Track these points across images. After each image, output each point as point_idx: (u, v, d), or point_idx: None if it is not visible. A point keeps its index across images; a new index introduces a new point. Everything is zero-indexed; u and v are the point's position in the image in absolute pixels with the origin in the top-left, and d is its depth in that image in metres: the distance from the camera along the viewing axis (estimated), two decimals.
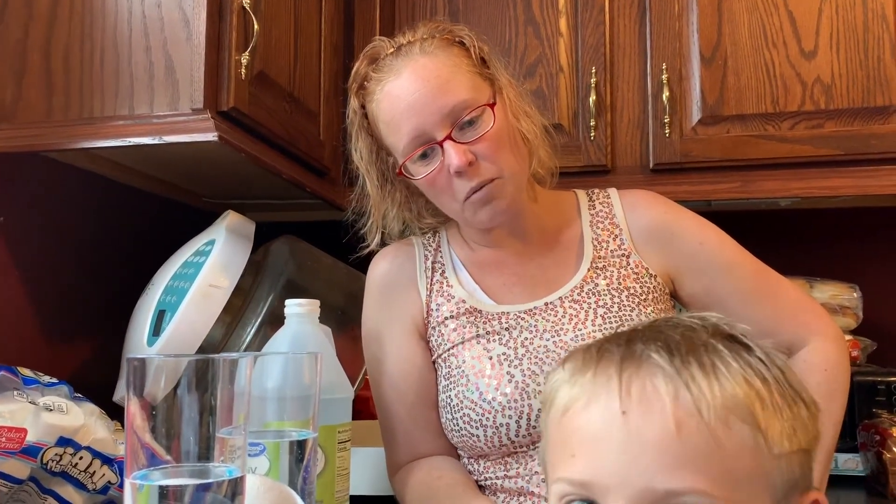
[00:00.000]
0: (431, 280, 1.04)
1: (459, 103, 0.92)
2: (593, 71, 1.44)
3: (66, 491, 0.90)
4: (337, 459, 0.93)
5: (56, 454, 0.89)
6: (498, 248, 1.04)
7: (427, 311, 1.02)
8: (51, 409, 0.90)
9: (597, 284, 0.99)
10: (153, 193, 1.43)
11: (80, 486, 0.91)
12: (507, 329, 0.98)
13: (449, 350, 0.99)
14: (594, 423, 0.48)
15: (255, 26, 1.09)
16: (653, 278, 1.00)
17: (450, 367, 0.99)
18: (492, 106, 0.94)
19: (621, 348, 0.49)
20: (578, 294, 0.99)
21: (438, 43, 0.96)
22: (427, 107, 0.92)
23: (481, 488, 0.96)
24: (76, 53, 1.08)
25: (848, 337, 1.46)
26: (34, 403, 0.89)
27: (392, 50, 0.97)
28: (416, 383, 1.01)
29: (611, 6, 1.46)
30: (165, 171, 1.36)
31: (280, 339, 0.92)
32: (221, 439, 0.60)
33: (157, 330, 1.04)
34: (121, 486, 0.91)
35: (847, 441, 1.30)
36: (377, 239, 1.05)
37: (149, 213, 1.44)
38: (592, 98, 1.42)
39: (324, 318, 1.03)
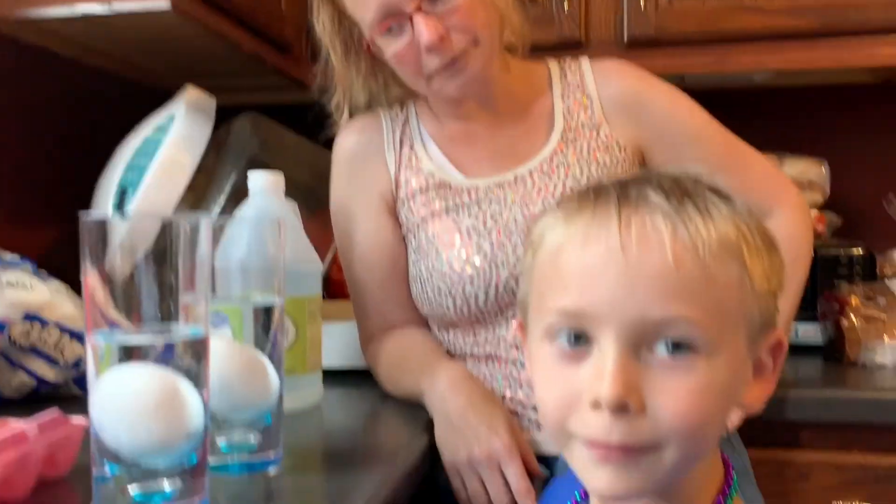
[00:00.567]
0: (400, 154, 1.02)
1: None
2: None
3: (38, 365, 0.90)
4: (308, 330, 0.94)
5: (24, 330, 0.89)
6: (467, 120, 1.02)
7: (396, 185, 1.01)
8: (14, 286, 0.89)
9: (566, 157, 0.98)
10: (112, 73, 1.37)
11: (51, 360, 0.91)
12: (476, 202, 0.97)
13: (418, 224, 0.99)
14: (591, 259, 0.49)
15: None
16: (622, 150, 0.99)
17: (419, 240, 0.99)
18: None
19: (617, 191, 0.51)
20: (548, 166, 0.98)
21: None
22: None
23: (451, 356, 0.98)
24: None
25: (814, 212, 1.48)
26: None
27: None
28: (386, 257, 1.01)
29: None
30: (121, 48, 1.30)
31: (244, 214, 0.91)
32: (185, 306, 0.60)
33: (120, 208, 1.02)
34: None
35: (808, 312, 1.34)
36: (345, 115, 1.03)
37: (108, 94, 1.39)
38: None
39: (292, 198, 1.02)
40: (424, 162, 1.01)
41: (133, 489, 0.57)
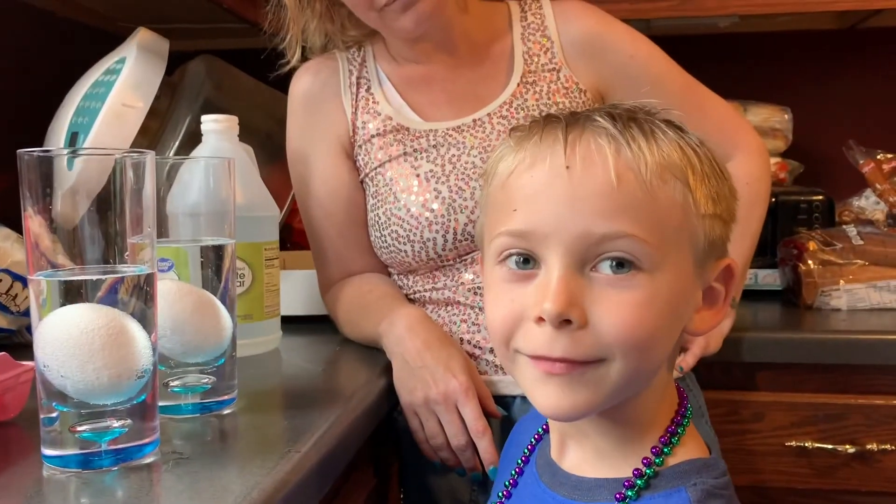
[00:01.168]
0: (357, 96, 1.00)
1: None
2: None
3: None
4: (265, 276, 0.93)
5: None
6: (425, 62, 1.00)
7: (353, 129, 1.00)
8: None
9: (526, 100, 0.97)
10: (62, 16, 1.33)
11: (2, 308, 0.90)
12: (434, 146, 0.96)
13: (376, 168, 0.98)
14: (538, 179, 0.50)
15: None
16: (582, 93, 0.99)
17: (377, 185, 0.98)
18: None
19: (566, 118, 0.52)
20: (507, 110, 0.97)
21: None
22: None
23: (411, 301, 0.98)
24: None
25: (777, 159, 1.49)
26: None
27: None
28: (345, 202, 1.00)
29: None
30: None
31: (195, 156, 0.89)
32: (131, 245, 0.59)
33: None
34: None
35: (768, 258, 1.36)
36: (297, 55, 1.00)
37: (58, 37, 1.35)
38: None
39: (249, 144, 1.00)
40: (382, 105, 0.99)
41: (81, 428, 0.56)
